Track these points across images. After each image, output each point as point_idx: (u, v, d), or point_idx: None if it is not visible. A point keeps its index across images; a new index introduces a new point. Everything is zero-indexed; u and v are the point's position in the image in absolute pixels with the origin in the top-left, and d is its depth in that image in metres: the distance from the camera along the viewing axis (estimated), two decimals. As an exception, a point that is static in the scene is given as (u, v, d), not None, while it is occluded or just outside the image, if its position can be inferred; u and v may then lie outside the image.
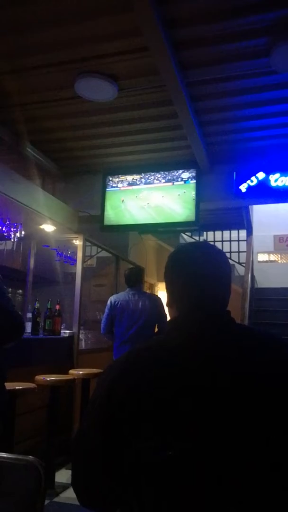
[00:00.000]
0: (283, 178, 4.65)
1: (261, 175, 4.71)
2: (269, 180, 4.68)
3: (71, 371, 3.71)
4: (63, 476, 3.38)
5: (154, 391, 0.85)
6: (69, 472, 0.97)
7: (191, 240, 7.98)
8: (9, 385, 2.37)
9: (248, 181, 4.74)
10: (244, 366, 0.88)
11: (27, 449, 3.27)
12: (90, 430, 0.94)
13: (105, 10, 2.72)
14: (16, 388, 2.63)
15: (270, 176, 4.68)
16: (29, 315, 3.96)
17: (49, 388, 3.29)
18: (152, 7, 2.57)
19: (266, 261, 8.17)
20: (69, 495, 3.06)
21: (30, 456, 1.05)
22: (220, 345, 0.92)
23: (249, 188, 4.74)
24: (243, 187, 4.76)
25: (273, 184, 4.67)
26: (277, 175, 4.66)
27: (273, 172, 4.68)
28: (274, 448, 0.82)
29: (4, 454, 1.07)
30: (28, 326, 3.83)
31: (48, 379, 3.17)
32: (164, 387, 0.86)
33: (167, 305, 1.07)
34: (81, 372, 3.69)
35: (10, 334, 2.07)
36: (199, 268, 1.02)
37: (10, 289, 5.61)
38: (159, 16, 2.70)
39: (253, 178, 4.73)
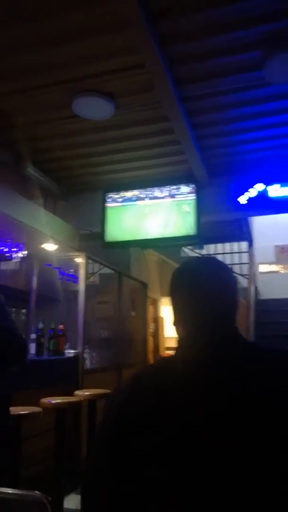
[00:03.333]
0: (282, 189, 4.64)
1: (259, 186, 4.71)
2: (268, 191, 4.68)
3: (76, 392, 3.63)
4: (72, 501, 3.28)
5: (164, 420, 0.83)
6: (78, 497, 0.95)
7: (193, 253, 7.95)
8: (14, 410, 2.31)
9: (247, 193, 4.74)
10: (257, 388, 0.85)
11: (34, 475, 3.19)
12: (98, 457, 0.92)
13: (100, 29, 2.76)
14: (21, 413, 2.56)
15: (269, 187, 4.68)
16: (33, 335, 3.91)
17: (55, 410, 3.22)
18: (146, 25, 2.61)
19: (268, 272, 8.13)
20: (78, 521, 2.96)
21: (37, 492, 1.02)
22: (231, 368, 0.89)
23: (249, 200, 4.74)
24: (242, 199, 4.76)
25: (272, 195, 4.66)
26: (276, 186, 4.66)
27: (272, 183, 4.68)
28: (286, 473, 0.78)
29: (9, 490, 1.04)
30: (32, 347, 3.78)
31: (53, 401, 3.10)
32: (175, 416, 0.83)
33: (173, 324, 1.03)
34: (86, 393, 3.61)
35: (13, 358, 2.03)
36: (203, 285, 0.99)
37: (13, 309, 5.56)
38: (153, 33, 2.74)
39: (251, 189, 4.73)
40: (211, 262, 1.09)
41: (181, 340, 0.99)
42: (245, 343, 0.97)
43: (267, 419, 0.81)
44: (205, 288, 0.98)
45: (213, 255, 7.62)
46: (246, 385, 0.85)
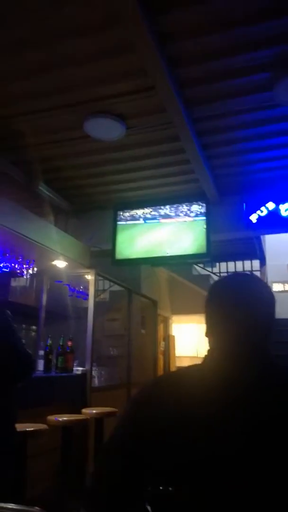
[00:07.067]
0: (294, 207, 4.63)
1: (271, 205, 4.71)
2: (280, 210, 4.67)
3: (83, 410, 3.62)
4: (77, 522, 3.23)
5: (176, 429, 0.85)
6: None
7: (204, 271, 7.93)
8: (19, 426, 2.31)
9: (258, 212, 4.74)
10: (277, 409, 0.85)
11: (38, 493, 3.15)
12: (111, 453, 0.94)
13: (109, 52, 2.83)
14: (27, 429, 2.56)
15: (280, 205, 4.68)
16: (41, 352, 3.91)
17: (61, 428, 3.20)
18: (155, 48, 2.67)
19: (282, 291, 8.04)
20: None
21: (37, 508, 1.01)
22: (253, 386, 0.89)
23: (260, 218, 4.73)
24: (253, 218, 4.76)
25: (283, 213, 4.65)
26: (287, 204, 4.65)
27: (283, 202, 4.67)
28: None
29: (8, 505, 1.03)
30: (41, 364, 3.79)
31: (60, 419, 3.09)
32: (188, 426, 0.84)
33: (205, 335, 1.04)
34: (94, 411, 3.59)
35: (19, 374, 2.04)
36: (234, 298, 1.00)
37: (23, 326, 5.59)
38: (162, 56, 2.80)
39: (263, 208, 4.73)
40: (245, 277, 1.10)
41: (210, 351, 1.00)
42: (271, 361, 0.96)
43: (274, 443, 0.81)
44: (236, 301, 0.99)
45: (225, 273, 7.59)
46: (266, 408, 0.85)
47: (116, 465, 0.89)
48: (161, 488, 0.83)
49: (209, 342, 1.02)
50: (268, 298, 1.02)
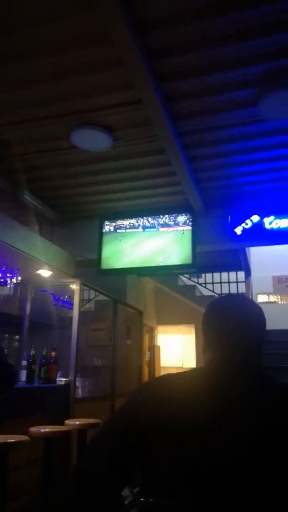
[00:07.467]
0: (277, 220, 4.72)
1: (255, 218, 4.79)
2: (264, 223, 4.75)
3: (67, 422, 3.57)
4: (58, 537, 3.18)
5: (166, 439, 0.88)
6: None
7: (190, 282, 7.97)
8: (0, 438, 2.28)
9: (243, 224, 4.81)
10: (264, 421, 0.88)
11: (20, 507, 3.10)
12: (96, 459, 0.95)
13: (98, 66, 2.88)
14: (8, 441, 2.52)
15: (265, 219, 4.76)
16: (24, 362, 3.87)
17: (43, 440, 3.16)
18: (142, 63, 2.72)
19: (266, 302, 8.11)
20: None
21: None
22: (247, 395, 0.93)
23: (244, 230, 4.80)
24: (238, 230, 4.83)
25: (267, 226, 4.73)
26: (272, 217, 4.74)
27: (268, 215, 4.76)
28: None
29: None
30: (23, 375, 3.74)
31: (42, 430, 3.05)
32: (178, 435, 0.88)
33: (202, 351, 1.11)
34: (77, 423, 3.54)
35: (1, 385, 2.02)
36: (226, 317, 1.07)
37: (6, 335, 5.53)
38: (150, 70, 2.85)
39: (247, 221, 4.81)
40: (237, 296, 1.23)
41: (205, 364, 1.07)
42: (263, 372, 1.02)
43: (270, 452, 0.84)
44: (229, 318, 1.07)
45: (211, 284, 7.64)
46: (252, 419, 0.89)
47: (101, 471, 0.91)
48: (151, 500, 0.84)
49: (205, 357, 1.09)
50: (258, 315, 1.10)
